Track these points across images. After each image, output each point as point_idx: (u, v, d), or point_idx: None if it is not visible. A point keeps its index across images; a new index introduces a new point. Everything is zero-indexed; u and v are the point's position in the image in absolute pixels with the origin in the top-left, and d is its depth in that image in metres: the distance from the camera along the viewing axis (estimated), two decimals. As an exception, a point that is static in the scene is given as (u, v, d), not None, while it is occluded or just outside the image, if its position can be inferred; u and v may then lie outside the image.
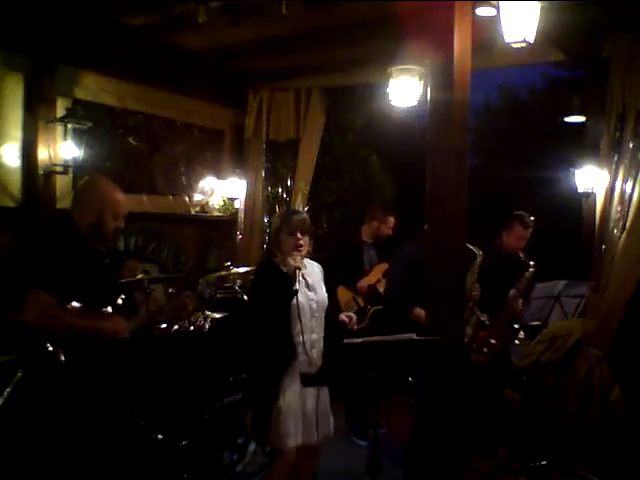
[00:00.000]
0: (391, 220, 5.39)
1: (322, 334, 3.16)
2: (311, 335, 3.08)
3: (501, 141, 13.16)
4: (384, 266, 5.25)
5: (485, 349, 4.35)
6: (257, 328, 3.16)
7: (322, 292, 3.20)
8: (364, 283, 5.21)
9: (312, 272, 3.22)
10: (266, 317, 3.07)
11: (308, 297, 3.10)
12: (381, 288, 5.26)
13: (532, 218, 4.68)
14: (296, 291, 2.96)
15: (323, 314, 3.18)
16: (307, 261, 3.22)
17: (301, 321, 3.00)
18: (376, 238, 5.42)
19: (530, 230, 4.63)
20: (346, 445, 4.71)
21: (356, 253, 5.30)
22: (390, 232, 5.40)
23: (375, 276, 5.28)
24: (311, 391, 3.06)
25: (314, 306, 3.11)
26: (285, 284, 2.96)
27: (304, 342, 3.04)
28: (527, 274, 4.51)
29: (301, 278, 3.07)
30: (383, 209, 5.45)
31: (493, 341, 4.37)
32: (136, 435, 3.33)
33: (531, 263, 4.53)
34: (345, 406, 5.07)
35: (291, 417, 2.99)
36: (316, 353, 3.09)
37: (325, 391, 3.17)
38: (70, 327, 2.64)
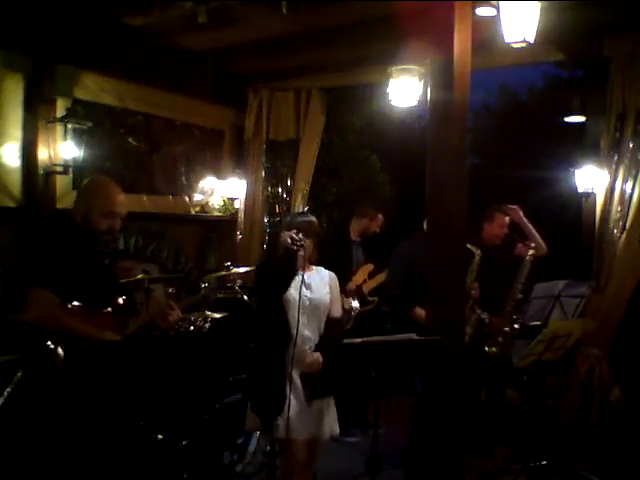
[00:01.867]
0: (381, 218, 5.37)
1: (317, 335, 3.17)
2: (303, 331, 3.09)
3: (501, 141, 13.15)
4: (369, 267, 5.24)
5: (500, 339, 4.35)
6: (258, 319, 3.21)
7: (321, 293, 3.22)
8: (353, 285, 5.17)
9: (315, 275, 3.27)
10: (264, 306, 3.13)
11: (303, 293, 3.11)
12: (366, 290, 5.22)
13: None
14: (290, 273, 3.01)
15: (319, 315, 3.19)
16: (315, 267, 3.30)
17: (288, 312, 3.04)
18: (364, 235, 5.37)
19: (509, 217, 4.66)
20: (346, 445, 4.70)
21: (345, 252, 5.27)
22: (378, 230, 5.38)
23: (361, 277, 5.23)
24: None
25: (307, 302, 3.12)
26: (280, 272, 3.01)
27: (296, 335, 3.06)
28: (527, 258, 4.53)
29: (300, 277, 3.12)
30: (374, 207, 5.43)
31: (507, 329, 4.38)
32: (136, 435, 3.33)
33: (532, 245, 4.56)
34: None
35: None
36: (310, 350, 3.11)
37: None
38: (68, 330, 2.64)
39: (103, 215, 2.85)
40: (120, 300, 2.85)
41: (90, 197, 2.88)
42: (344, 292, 5.16)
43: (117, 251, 5.32)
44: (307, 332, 3.13)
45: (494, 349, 4.38)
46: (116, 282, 3.22)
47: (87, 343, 2.66)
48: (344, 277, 5.16)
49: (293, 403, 3.01)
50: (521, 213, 4.75)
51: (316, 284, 3.23)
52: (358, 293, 5.18)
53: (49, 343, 2.58)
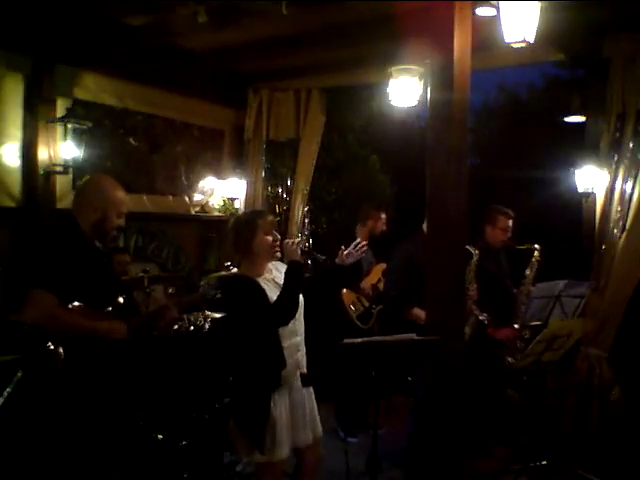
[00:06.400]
0: (383, 216, 5.42)
1: (303, 335, 3.11)
2: (295, 338, 3.03)
3: (501, 141, 13.16)
4: (382, 266, 5.32)
5: (519, 343, 4.35)
6: (243, 345, 3.08)
7: None
8: (367, 283, 5.26)
9: (279, 274, 3.12)
10: (253, 334, 2.99)
11: None
12: (382, 287, 5.30)
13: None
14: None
15: (302, 315, 3.11)
16: (278, 263, 3.17)
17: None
18: (372, 236, 5.43)
19: (512, 220, 4.63)
20: (345, 445, 4.70)
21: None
22: (384, 227, 5.42)
23: (376, 276, 5.35)
24: (300, 396, 3.04)
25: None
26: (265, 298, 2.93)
27: (289, 346, 2.99)
28: (533, 259, 4.53)
29: (274, 282, 3.04)
30: (374, 207, 5.48)
31: (527, 335, 4.37)
32: (136, 435, 3.33)
33: (536, 246, 4.54)
34: (335, 405, 5.09)
35: (283, 427, 2.95)
36: (301, 355, 3.06)
37: (311, 392, 3.13)
38: (70, 328, 2.64)
39: (117, 215, 2.90)
40: (120, 299, 2.86)
41: (106, 198, 2.89)
42: (360, 291, 5.22)
43: (114, 248, 5.33)
44: (298, 338, 3.06)
45: (511, 359, 4.38)
46: (117, 281, 3.22)
47: (87, 343, 2.67)
48: (355, 281, 5.24)
49: (288, 417, 2.97)
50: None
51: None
52: (374, 291, 5.26)
53: (49, 344, 2.58)
